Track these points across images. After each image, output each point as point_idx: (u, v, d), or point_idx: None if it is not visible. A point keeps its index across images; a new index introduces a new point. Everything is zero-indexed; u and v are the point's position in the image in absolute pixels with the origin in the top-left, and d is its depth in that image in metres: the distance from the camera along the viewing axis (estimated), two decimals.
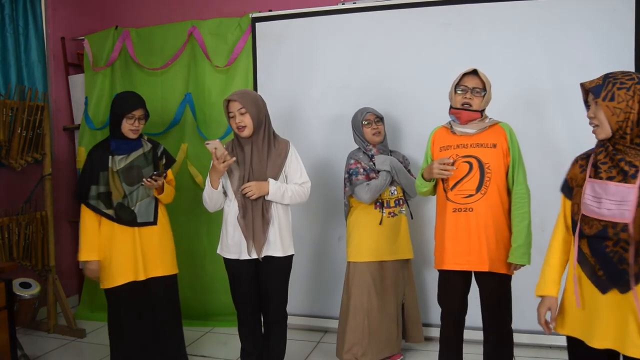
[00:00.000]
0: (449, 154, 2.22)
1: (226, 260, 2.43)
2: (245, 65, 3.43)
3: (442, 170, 2.16)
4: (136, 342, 2.56)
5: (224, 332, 3.33)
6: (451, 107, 2.26)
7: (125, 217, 2.49)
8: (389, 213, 2.70)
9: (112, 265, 2.48)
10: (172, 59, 3.55)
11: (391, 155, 2.75)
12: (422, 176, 2.29)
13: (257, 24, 3.38)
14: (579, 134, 2.87)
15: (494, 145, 2.17)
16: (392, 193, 2.71)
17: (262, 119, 2.36)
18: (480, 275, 2.24)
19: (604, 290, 1.55)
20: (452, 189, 2.21)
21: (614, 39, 2.81)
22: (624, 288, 1.50)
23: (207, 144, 2.24)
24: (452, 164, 2.16)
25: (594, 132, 1.65)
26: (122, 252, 2.49)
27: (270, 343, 2.48)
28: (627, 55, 2.78)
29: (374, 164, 2.66)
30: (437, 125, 2.35)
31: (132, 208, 2.51)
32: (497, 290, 2.22)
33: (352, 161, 2.70)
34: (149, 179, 2.46)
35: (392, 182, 2.68)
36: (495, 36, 2.97)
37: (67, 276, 3.86)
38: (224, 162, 2.25)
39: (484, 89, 2.19)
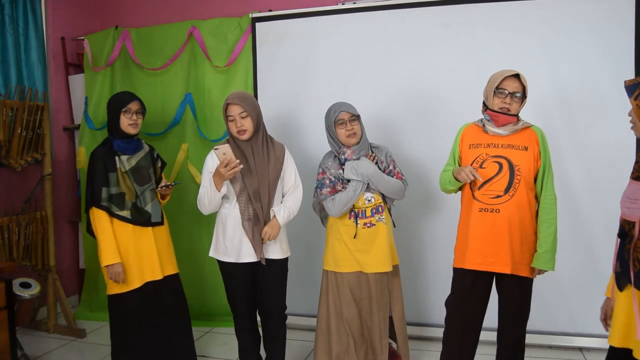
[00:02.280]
0: (479, 152, 2.20)
1: (222, 264, 2.42)
2: (245, 65, 3.43)
3: (467, 177, 2.13)
4: (143, 346, 2.54)
5: (224, 332, 3.33)
6: (486, 108, 2.23)
7: (141, 217, 2.48)
8: (365, 224, 2.42)
9: (129, 268, 2.45)
10: (172, 59, 3.55)
11: (373, 151, 2.48)
12: (453, 174, 2.24)
13: (257, 24, 3.37)
14: (579, 133, 2.89)
15: (526, 148, 2.16)
16: (368, 201, 2.43)
17: (260, 122, 2.36)
18: (501, 278, 2.23)
19: (620, 287, 1.55)
20: (479, 188, 2.19)
21: (614, 38, 2.81)
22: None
23: (216, 149, 2.22)
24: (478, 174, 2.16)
25: (632, 129, 1.63)
26: (141, 253, 2.47)
27: (273, 346, 2.48)
28: (627, 55, 2.79)
29: (343, 172, 2.41)
30: (467, 122, 2.34)
31: (146, 208, 2.50)
32: (519, 293, 2.21)
33: (320, 170, 2.47)
34: (164, 187, 2.52)
35: (368, 188, 2.41)
36: (495, 36, 2.97)
37: (67, 276, 3.86)
38: (231, 168, 2.21)
39: (523, 93, 2.17)
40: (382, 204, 2.46)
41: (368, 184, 2.40)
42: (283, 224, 2.38)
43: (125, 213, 2.45)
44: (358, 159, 2.42)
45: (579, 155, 2.87)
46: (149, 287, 2.51)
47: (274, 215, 2.37)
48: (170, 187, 2.54)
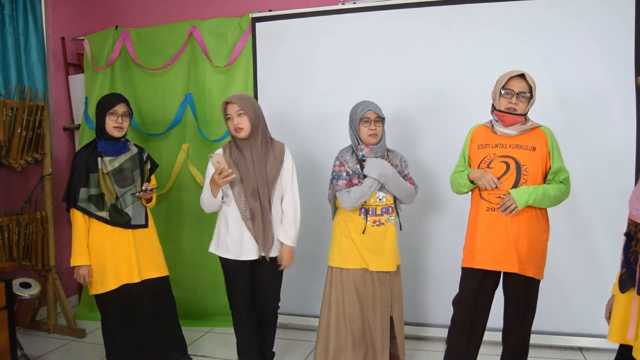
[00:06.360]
0: (487, 153, 2.22)
1: (224, 260, 2.47)
2: (245, 65, 3.43)
3: (487, 184, 2.15)
4: (132, 347, 2.55)
5: (224, 332, 3.33)
6: (494, 108, 2.25)
7: (120, 219, 2.48)
8: (374, 222, 2.46)
9: (106, 269, 2.46)
10: (173, 59, 3.54)
11: (388, 155, 2.53)
12: (468, 177, 2.26)
13: (257, 24, 3.37)
14: (579, 132, 2.88)
15: (534, 149, 2.17)
16: (379, 200, 2.46)
17: (259, 122, 2.40)
18: (508, 278, 2.23)
19: (623, 288, 1.55)
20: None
21: (614, 38, 2.81)
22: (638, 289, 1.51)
23: (211, 157, 2.30)
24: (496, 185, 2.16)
25: None
26: (117, 254, 2.48)
27: (264, 334, 2.58)
28: (627, 55, 2.78)
29: (361, 167, 2.45)
30: (477, 123, 2.35)
31: (126, 210, 2.50)
32: (525, 294, 2.21)
33: (337, 163, 2.51)
34: (141, 192, 2.51)
35: (382, 188, 2.45)
36: (495, 36, 2.97)
37: (67, 276, 3.84)
38: (224, 177, 2.27)
39: (530, 92, 2.17)
40: (392, 205, 2.50)
41: (382, 184, 2.44)
42: (295, 243, 2.48)
43: (104, 214, 2.46)
44: (375, 158, 2.46)
45: (579, 155, 2.86)
46: (129, 290, 2.50)
47: (282, 243, 2.45)
48: (148, 192, 2.53)
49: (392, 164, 2.49)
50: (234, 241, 2.41)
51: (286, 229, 2.46)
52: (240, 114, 2.35)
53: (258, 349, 2.58)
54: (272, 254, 2.44)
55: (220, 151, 2.42)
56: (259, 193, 2.38)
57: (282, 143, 2.51)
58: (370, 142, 2.45)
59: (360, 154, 2.47)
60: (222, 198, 2.43)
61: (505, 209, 2.13)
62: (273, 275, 2.50)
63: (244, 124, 2.35)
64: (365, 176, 2.43)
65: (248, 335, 2.53)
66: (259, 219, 2.38)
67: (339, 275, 2.51)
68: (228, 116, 2.39)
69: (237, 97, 2.40)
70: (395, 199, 2.51)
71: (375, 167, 2.42)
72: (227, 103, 2.39)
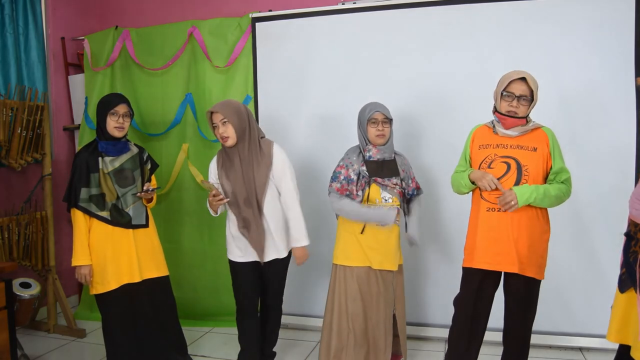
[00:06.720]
0: (488, 153, 2.22)
1: (230, 261, 2.53)
2: (246, 65, 3.43)
3: (488, 185, 2.15)
4: (133, 347, 2.56)
5: (224, 332, 3.33)
6: (495, 110, 2.25)
7: (121, 219, 2.49)
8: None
9: (107, 269, 2.46)
10: (173, 59, 3.54)
11: (395, 157, 2.54)
12: (468, 177, 2.25)
13: (257, 24, 3.37)
14: (578, 133, 2.89)
15: (535, 149, 2.17)
16: (385, 200, 2.46)
17: (244, 128, 2.40)
18: (509, 278, 2.23)
19: (622, 288, 1.56)
20: None
21: (614, 38, 2.81)
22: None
23: (203, 182, 2.39)
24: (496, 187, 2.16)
25: None
26: (118, 254, 2.48)
27: (268, 328, 2.62)
28: (627, 56, 2.79)
29: (367, 169, 2.46)
30: (479, 124, 2.36)
31: (127, 210, 2.51)
32: (525, 294, 2.21)
33: (341, 163, 2.52)
34: (142, 193, 2.52)
35: (387, 189, 2.46)
36: (495, 36, 2.97)
37: (67, 276, 3.85)
38: (217, 200, 2.36)
39: (531, 95, 2.17)
40: (398, 207, 2.49)
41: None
42: (306, 242, 2.48)
43: (105, 214, 2.46)
44: (382, 159, 2.48)
45: (578, 156, 2.86)
46: (129, 289, 2.50)
47: (294, 246, 2.49)
48: (149, 192, 2.54)
49: (399, 169, 2.51)
50: (237, 245, 2.47)
51: (292, 232, 2.48)
52: (224, 122, 2.36)
53: (258, 345, 2.59)
54: (278, 256, 2.47)
55: (214, 179, 2.46)
56: (250, 201, 2.40)
57: (270, 141, 2.49)
58: (377, 142, 2.48)
59: (368, 154, 2.49)
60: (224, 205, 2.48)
61: (505, 204, 2.13)
62: (279, 275, 2.56)
63: (229, 132, 2.36)
64: (369, 179, 2.44)
65: (250, 331, 2.54)
66: (254, 227, 2.40)
67: (343, 273, 2.52)
68: (214, 125, 2.40)
69: (220, 105, 2.40)
70: (401, 200, 2.51)
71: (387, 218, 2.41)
72: (211, 112, 2.40)
